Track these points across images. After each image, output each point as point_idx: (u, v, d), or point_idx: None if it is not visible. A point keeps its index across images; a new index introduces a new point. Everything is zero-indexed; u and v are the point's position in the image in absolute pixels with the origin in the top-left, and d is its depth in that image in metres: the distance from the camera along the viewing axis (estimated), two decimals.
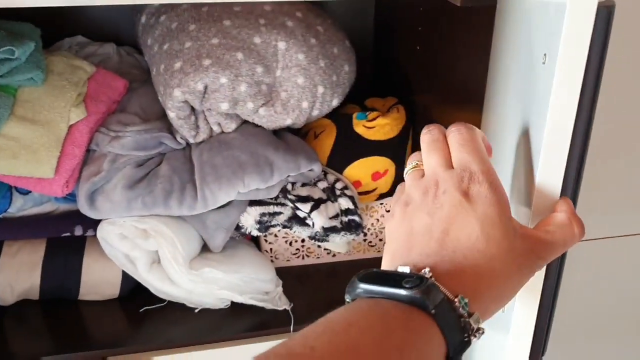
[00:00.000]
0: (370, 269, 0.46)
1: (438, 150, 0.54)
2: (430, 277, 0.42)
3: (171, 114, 0.88)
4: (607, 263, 1.36)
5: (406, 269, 0.44)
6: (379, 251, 1.08)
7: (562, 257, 0.64)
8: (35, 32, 0.94)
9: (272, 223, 0.93)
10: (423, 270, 0.43)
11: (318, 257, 1.06)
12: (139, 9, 1.03)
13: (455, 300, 0.42)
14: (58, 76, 0.92)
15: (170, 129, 0.93)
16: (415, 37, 1.00)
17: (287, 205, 0.94)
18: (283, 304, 0.95)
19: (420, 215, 0.49)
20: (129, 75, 1.05)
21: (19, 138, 0.85)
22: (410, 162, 0.58)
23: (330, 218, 0.94)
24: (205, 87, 0.86)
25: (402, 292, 0.41)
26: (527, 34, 0.60)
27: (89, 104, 0.92)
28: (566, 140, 0.56)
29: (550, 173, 0.57)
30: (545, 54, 0.55)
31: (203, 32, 0.88)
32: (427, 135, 0.57)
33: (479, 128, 0.75)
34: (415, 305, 0.41)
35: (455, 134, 0.55)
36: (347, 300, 0.45)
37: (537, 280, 0.62)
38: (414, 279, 0.42)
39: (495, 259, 0.46)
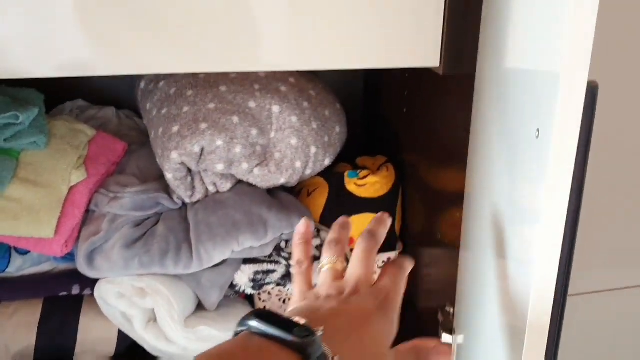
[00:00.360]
0: (268, 310, 0.50)
1: (368, 265, 0.62)
2: (321, 335, 0.45)
3: (168, 175, 0.91)
4: (606, 316, 1.38)
5: (302, 320, 0.46)
6: None
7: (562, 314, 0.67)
8: (39, 97, 0.98)
9: (266, 281, 0.95)
10: (317, 328, 0.46)
11: None
12: (137, 75, 1.08)
13: (334, 358, 0.45)
14: (60, 140, 0.96)
15: (167, 190, 0.96)
16: (402, 100, 1.05)
17: (280, 263, 0.96)
18: None
19: (331, 301, 0.55)
20: (128, 137, 1.09)
21: (21, 200, 0.88)
22: (328, 256, 0.66)
23: None
24: (202, 150, 0.90)
25: (289, 337, 0.43)
26: (512, 105, 0.63)
27: (89, 166, 0.96)
28: (563, 204, 0.58)
29: (548, 227, 0.59)
30: (538, 129, 0.57)
31: (200, 97, 0.93)
32: (364, 244, 0.66)
33: (463, 190, 0.78)
34: (297, 352, 0.43)
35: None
36: (237, 330, 0.47)
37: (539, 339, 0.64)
38: (304, 329, 0.44)
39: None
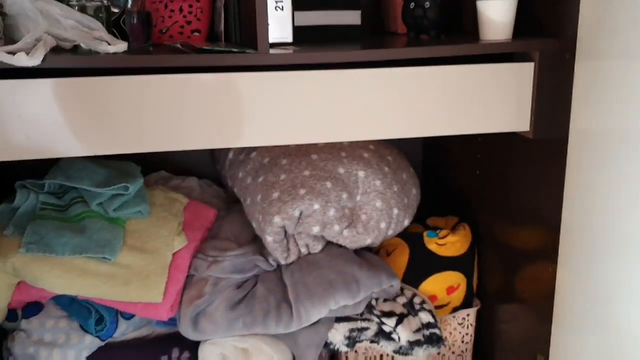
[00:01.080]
0: None
1: None
2: None
3: (268, 238, 0.96)
4: None
5: None
6: None
7: None
8: (137, 169, 1.04)
9: (360, 338, 0.99)
10: None
11: None
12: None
13: None
14: (159, 208, 1.02)
15: (262, 252, 1.01)
16: (475, 164, 1.12)
17: (373, 321, 1.00)
18: None
19: None
20: (212, 204, 1.14)
21: (131, 266, 0.93)
22: None
23: (414, 332, 0.99)
24: (300, 213, 0.95)
25: None
26: None
27: (187, 232, 1.01)
28: None
29: None
30: None
31: (295, 165, 0.99)
32: None
33: (555, 261, 0.83)
34: None
35: None
36: None
37: None
38: None
39: None
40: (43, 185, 0.96)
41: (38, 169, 0.98)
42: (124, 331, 0.98)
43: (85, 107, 0.73)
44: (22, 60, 0.64)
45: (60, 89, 0.71)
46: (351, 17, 0.98)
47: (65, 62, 0.69)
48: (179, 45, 0.76)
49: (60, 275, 0.88)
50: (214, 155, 1.25)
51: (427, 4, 0.94)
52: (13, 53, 0.64)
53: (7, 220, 0.92)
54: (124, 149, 0.76)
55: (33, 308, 0.94)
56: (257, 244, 1.03)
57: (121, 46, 0.73)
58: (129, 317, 0.98)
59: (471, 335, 1.12)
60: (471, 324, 1.12)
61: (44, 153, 0.73)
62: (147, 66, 0.73)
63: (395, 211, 1.04)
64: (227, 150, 1.13)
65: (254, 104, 0.77)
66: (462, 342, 1.12)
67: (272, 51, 0.75)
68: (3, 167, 0.84)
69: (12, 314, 0.94)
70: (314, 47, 0.83)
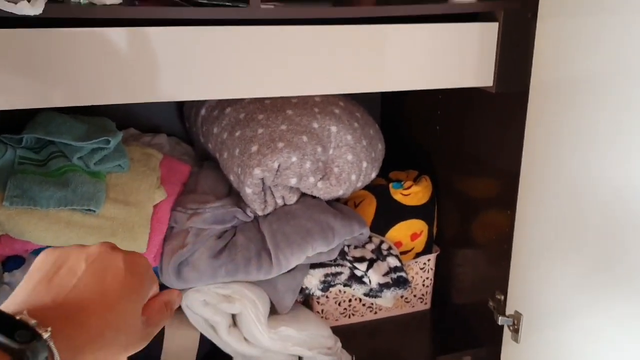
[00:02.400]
0: None
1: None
2: (48, 336, 0.39)
3: (248, 190, 1.01)
4: None
5: (31, 320, 0.39)
6: (413, 307, 1.22)
7: None
8: (112, 124, 1.05)
9: (334, 282, 1.06)
10: (44, 329, 0.39)
11: (362, 316, 1.18)
12: (194, 104, 1.18)
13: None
14: (137, 163, 1.03)
15: (240, 205, 1.05)
16: (435, 119, 1.20)
17: (345, 266, 1.06)
18: (346, 357, 1.06)
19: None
20: (183, 160, 1.17)
21: (115, 218, 0.95)
22: None
23: (383, 275, 1.07)
24: (279, 166, 1.00)
25: (9, 342, 0.37)
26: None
27: (164, 186, 1.04)
28: None
29: None
30: None
31: (272, 120, 1.03)
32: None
33: (514, 206, 0.91)
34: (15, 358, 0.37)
35: None
36: None
37: None
38: (28, 333, 0.38)
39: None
40: (21, 140, 0.95)
41: (6, 126, 0.97)
42: None
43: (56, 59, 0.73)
44: (24, 8, 0.64)
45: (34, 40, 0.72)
46: None
47: (64, 13, 0.70)
48: None
49: (47, 227, 0.89)
50: (183, 113, 1.27)
51: None
52: (15, 2, 0.65)
53: None
54: (109, 99, 0.77)
55: (15, 261, 0.94)
56: (233, 197, 1.07)
57: None
58: None
59: (431, 279, 1.22)
60: (431, 269, 1.21)
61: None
62: (142, 17, 0.75)
63: (364, 164, 1.10)
64: (199, 107, 1.16)
65: (236, 56, 0.80)
66: (423, 285, 1.21)
67: (262, 6, 0.79)
68: None
69: None
70: (294, 2, 0.87)
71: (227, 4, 0.76)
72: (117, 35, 0.75)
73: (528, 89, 0.89)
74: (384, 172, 1.28)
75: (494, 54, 0.92)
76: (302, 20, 0.83)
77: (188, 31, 0.78)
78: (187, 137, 1.30)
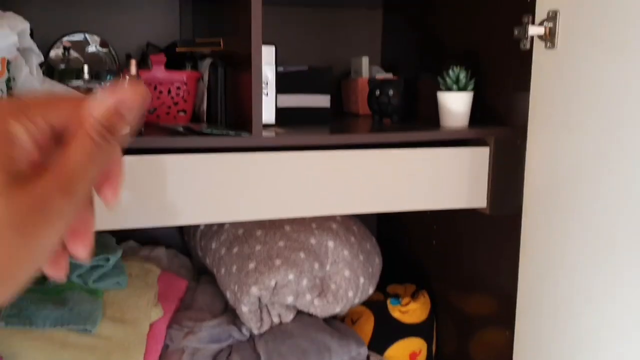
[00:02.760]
0: None
1: None
2: None
3: (244, 309, 1.00)
4: None
5: None
6: None
7: None
8: (112, 240, 1.06)
9: None
10: None
11: None
12: None
13: None
14: (136, 278, 1.04)
15: (235, 322, 1.04)
16: (431, 235, 1.22)
17: None
18: None
19: None
20: (179, 274, 1.17)
21: (111, 337, 0.94)
22: None
23: None
24: (276, 284, 1.00)
25: None
26: None
27: (161, 303, 1.03)
28: None
29: None
30: None
31: (270, 237, 1.05)
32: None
33: (512, 326, 0.92)
34: None
35: None
36: None
37: None
38: None
39: None
40: None
41: None
42: None
43: None
44: None
45: None
46: (322, 101, 1.07)
47: None
48: (180, 129, 0.81)
49: (41, 347, 0.88)
50: (183, 226, 1.29)
51: (391, 92, 1.06)
52: None
53: None
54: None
55: None
56: (229, 314, 1.07)
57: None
58: None
59: None
60: None
61: None
62: (147, 147, 0.78)
63: (362, 280, 1.11)
64: None
65: (247, 182, 0.83)
66: None
67: (264, 134, 0.82)
68: None
69: None
70: (294, 129, 0.91)
71: (231, 133, 0.79)
72: (129, 162, 0.78)
73: (521, 211, 0.92)
74: (381, 285, 1.28)
75: (487, 177, 0.96)
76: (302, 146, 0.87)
77: (196, 158, 0.81)
78: (186, 249, 1.31)
